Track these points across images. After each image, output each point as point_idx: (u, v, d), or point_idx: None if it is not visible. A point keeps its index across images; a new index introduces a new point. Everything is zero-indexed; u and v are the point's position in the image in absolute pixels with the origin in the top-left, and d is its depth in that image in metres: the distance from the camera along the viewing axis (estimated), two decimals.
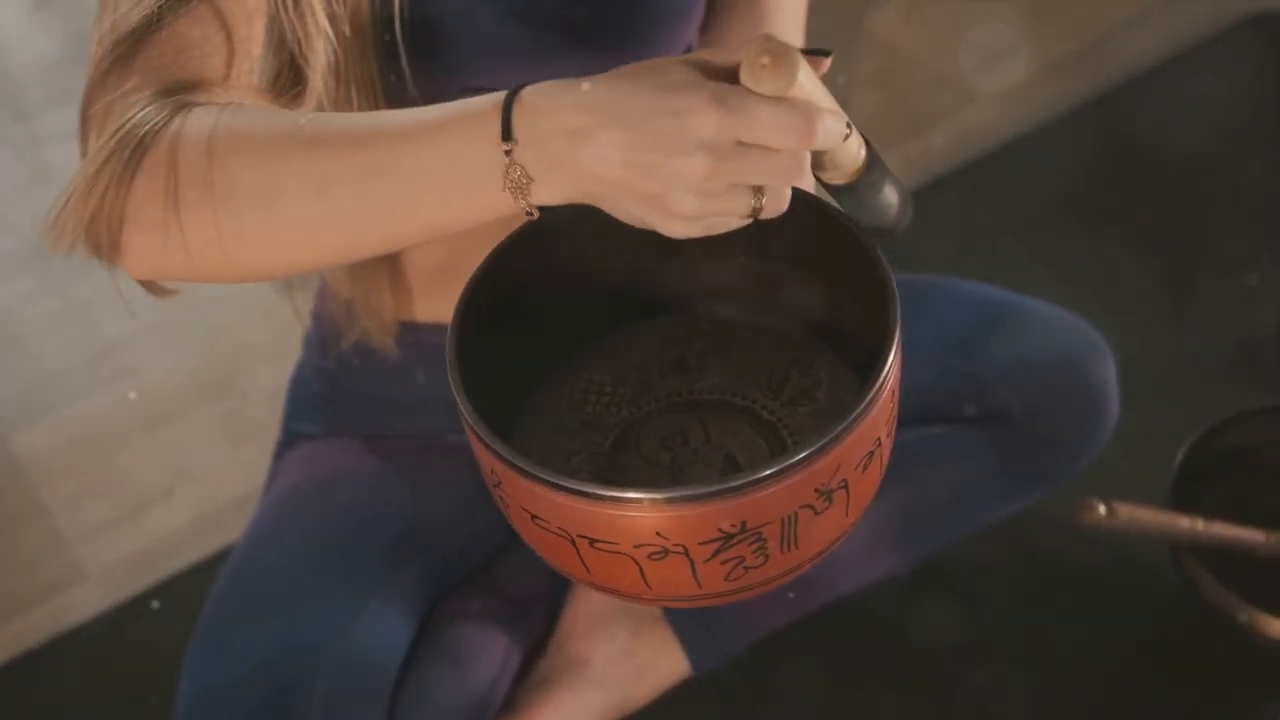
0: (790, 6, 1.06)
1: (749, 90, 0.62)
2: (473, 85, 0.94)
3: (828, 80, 0.67)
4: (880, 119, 1.91)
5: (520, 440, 0.84)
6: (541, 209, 0.68)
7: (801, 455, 0.67)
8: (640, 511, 0.67)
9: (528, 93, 0.66)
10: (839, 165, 0.70)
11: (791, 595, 1.24)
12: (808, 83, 0.63)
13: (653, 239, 0.68)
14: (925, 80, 1.99)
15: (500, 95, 0.66)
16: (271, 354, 1.66)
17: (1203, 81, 1.88)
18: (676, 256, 0.84)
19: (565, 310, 0.84)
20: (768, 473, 0.67)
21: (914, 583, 1.35)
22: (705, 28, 1.05)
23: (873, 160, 0.72)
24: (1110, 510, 1.15)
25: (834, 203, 0.75)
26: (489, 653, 1.13)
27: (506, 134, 0.65)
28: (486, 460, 0.72)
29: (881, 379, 0.70)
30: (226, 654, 1.03)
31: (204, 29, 0.79)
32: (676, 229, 0.66)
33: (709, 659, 1.25)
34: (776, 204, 0.66)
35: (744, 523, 0.68)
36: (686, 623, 1.23)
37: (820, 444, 0.68)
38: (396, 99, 0.94)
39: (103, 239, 0.74)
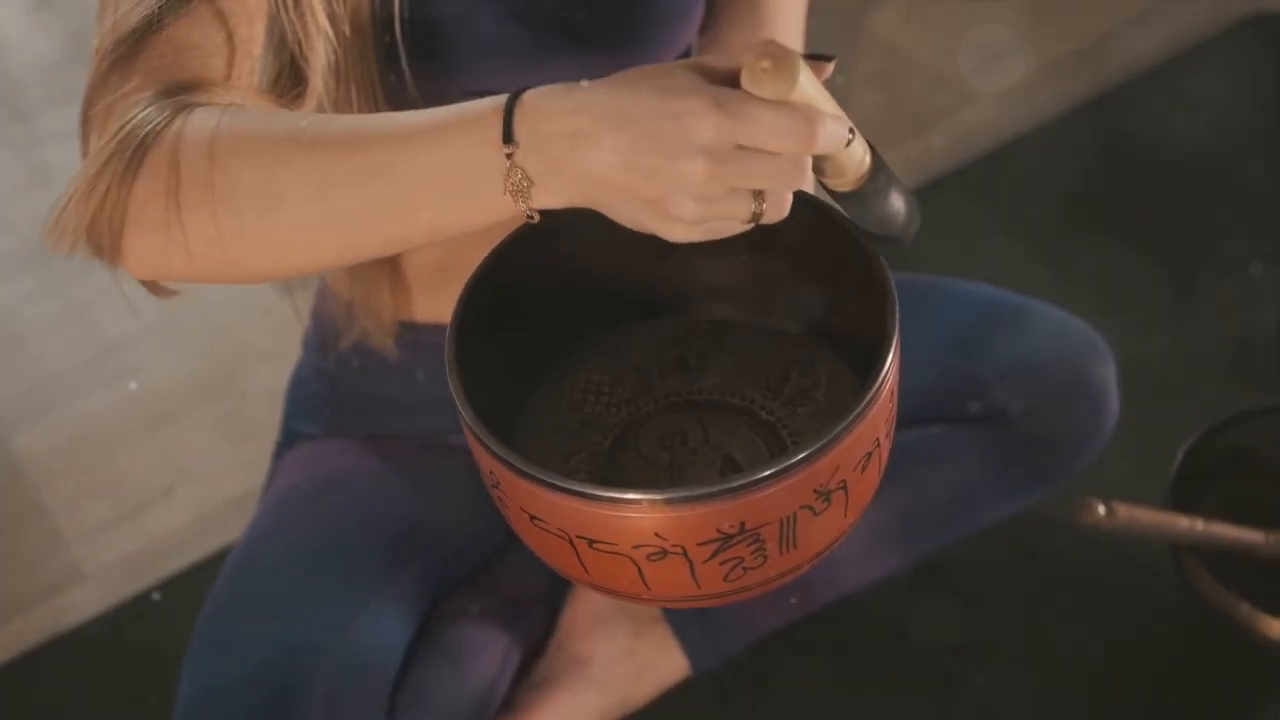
0: (790, 7, 1.06)
1: (750, 94, 0.62)
2: (472, 86, 0.95)
3: (828, 82, 0.67)
4: (880, 119, 1.91)
5: (520, 441, 0.84)
6: (542, 212, 0.68)
7: (800, 456, 0.67)
8: (639, 512, 0.68)
9: (529, 96, 0.66)
10: (843, 171, 0.69)
11: (794, 601, 1.24)
12: (809, 87, 0.63)
13: (652, 239, 0.68)
14: (925, 80, 1.99)
15: (502, 98, 0.66)
16: (271, 354, 1.66)
17: (1203, 81, 1.88)
18: (676, 256, 0.83)
19: (564, 310, 0.84)
20: (766, 474, 0.67)
21: (914, 583, 1.35)
22: (705, 29, 1.05)
23: (878, 166, 0.71)
24: (1110, 510, 1.15)
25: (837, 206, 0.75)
26: (488, 653, 1.13)
27: (508, 137, 0.65)
28: (485, 461, 0.72)
29: (880, 379, 0.70)
30: (226, 654, 1.03)
31: (205, 29, 0.79)
32: (677, 233, 0.66)
33: (708, 659, 1.25)
34: (777, 209, 0.66)
35: (743, 523, 0.68)
36: (686, 623, 1.23)
37: (819, 445, 0.68)
38: (396, 100, 0.94)
39: (104, 240, 0.74)
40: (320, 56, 0.85)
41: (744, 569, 0.71)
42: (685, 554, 0.69)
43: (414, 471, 1.14)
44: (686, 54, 1.05)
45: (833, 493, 0.70)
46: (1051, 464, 1.24)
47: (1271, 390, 1.52)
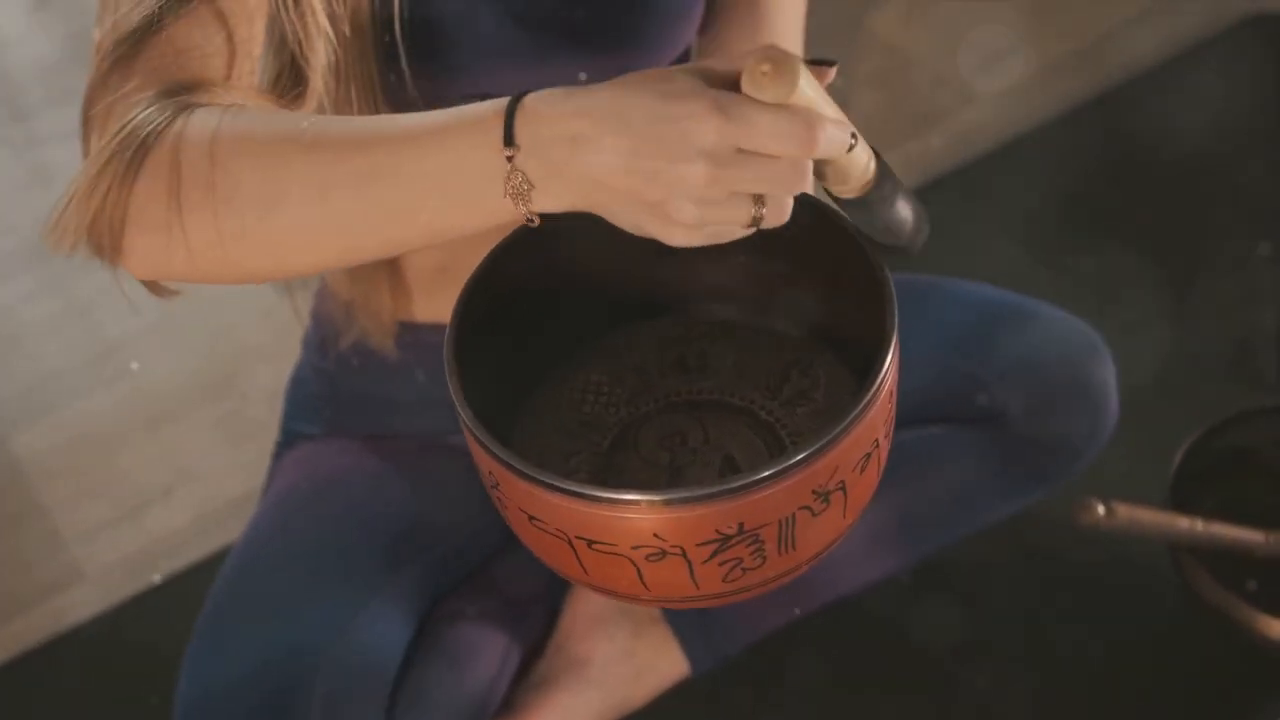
0: (790, 7, 1.06)
1: (750, 98, 0.62)
2: (472, 86, 0.95)
3: (828, 84, 0.67)
4: (880, 119, 1.91)
5: (519, 441, 0.84)
6: (541, 215, 0.68)
7: (799, 457, 0.67)
8: (638, 513, 0.68)
9: (530, 99, 0.66)
10: (847, 177, 0.69)
11: (793, 602, 1.24)
12: (810, 91, 0.63)
13: (652, 240, 0.68)
14: (925, 80, 1.99)
15: (503, 101, 0.66)
16: (271, 354, 1.66)
17: (1203, 81, 1.88)
18: (676, 257, 0.83)
19: (564, 311, 0.85)
20: (765, 474, 0.67)
21: (914, 583, 1.35)
22: (704, 29, 1.05)
23: (883, 173, 0.71)
24: (1109, 510, 1.15)
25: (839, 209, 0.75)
26: (488, 653, 1.13)
27: (509, 140, 0.65)
28: (484, 461, 0.72)
29: (879, 380, 0.70)
30: (226, 654, 1.03)
31: (205, 29, 0.79)
32: (677, 237, 0.66)
33: (708, 659, 1.25)
34: (778, 213, 0.66)
35: (741, 524, 0.68)
36: (685, 623, 1.23)
37: (818, 446, 0.68)
38: (396, 99, 0.94)
39: (105, 240, 0.74)
40: (320, 56, 0.85)
41: (743, 570, 0.71)
42: (684, 555, 0.69)
43: (414, 472, 1.14)
44: (686, 54, 1.05)
45: (831, 494, 0.70)
46: (1051, 464, 1.24)
47: (1271, 390, 1.52)
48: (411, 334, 1.11)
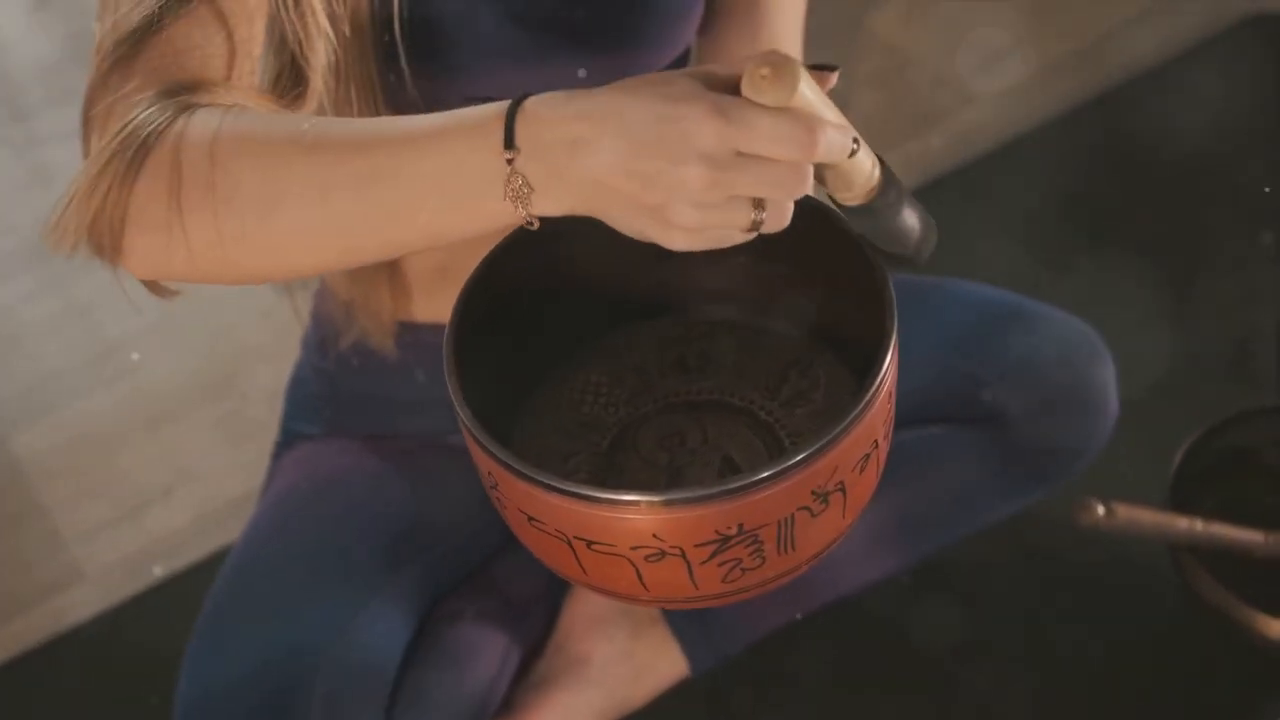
0: (789, 7, 1.06)
1: (750, 101, 0.62)
2: (472, 86, 0.95)
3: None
4: (880, 119, 1.91)
5: (519, 441, 0.84)
6: (541, 219, 0.68)
7: (798, 458, 0.67)
8: (637, 514, 0.68)
9: (531, 103, 0.66)
10: (851, 184, 0.69)
11: (793, 602, 1.24)
12: (810, 95, 0.63)
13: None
14: (925, 80, 1.99)
15: (504, 104, 0.66)
16: (271, 354, 1.66)
17: (1203, 81, 1.88)
18: (676, 257, 0.83)
19: (563, 311, 0.85)
20: (764, 475, 0.67)
21: (914, 583, 1.35)
22: (704, 29, 1.05)
23: (888, 180, 0.70)
24: (1109, 511, 1.15)
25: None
26: (488, 653, 1.13)
27: (509, 143, 0.65)
28: (483, 462, 0.72)
29: (878, 381, 0.70)
30: (225, 654, 1.03)
31: (205, 29, 0.79)
32: (677, 241, 0.66)
33: (707, 660, 1.25)
34: (778, 218, 0.66)
35: (741, 525, 0.68)
36: (685, 624, 1.23)
37: (817, 446, 0.68)
38: (396, 99, 0.94)
39: (105, 240, 0.74)
40: (320, 56, 0.85)
41: (742, 570, 0.71)
42: (683, 555, 0.69)
43: (414, 472, 1.14)
44: (686, 54, 1.05)
45: (831, 494, 0.70)
46: (1051, 464, 1.24)
47: (1271, 390, 1.52)
48: (411, 334, 1.11)
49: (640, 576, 0.71)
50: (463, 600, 1.14)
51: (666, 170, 0.63)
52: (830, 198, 0.71)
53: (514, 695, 1.20)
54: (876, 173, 0.69)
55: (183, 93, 0.76)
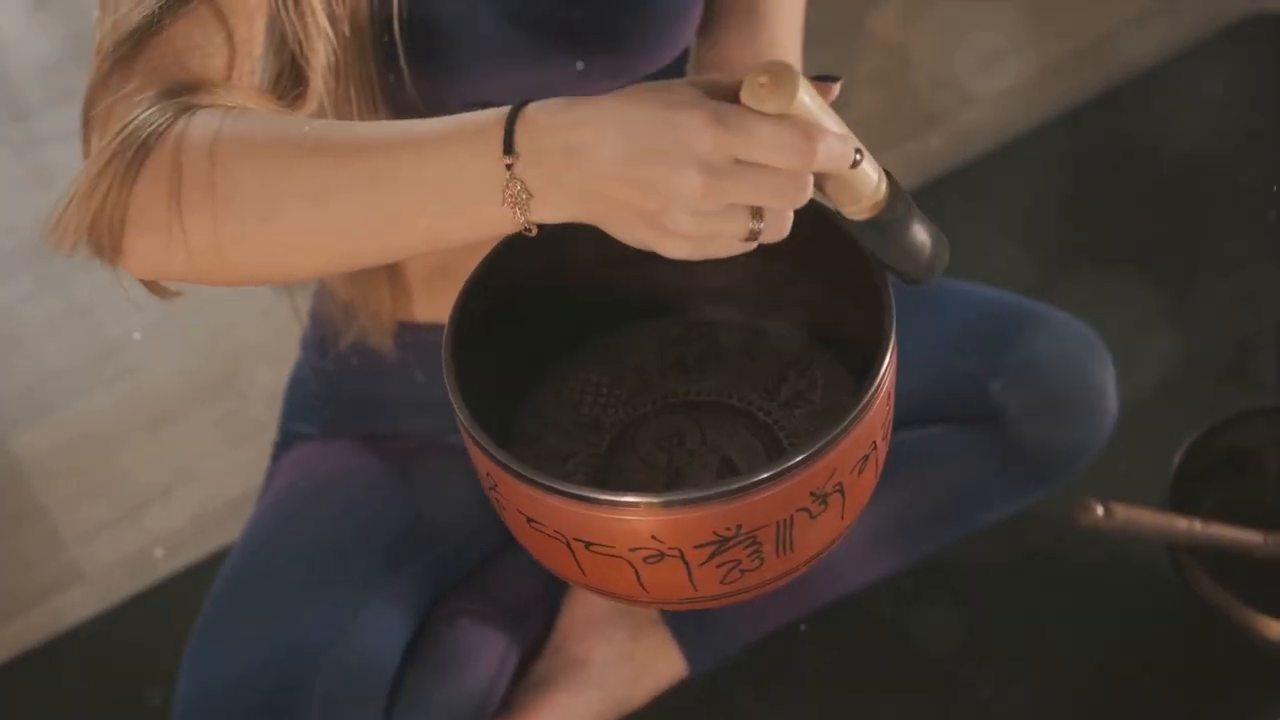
0: (789, 8, 1.06)
1: (749, 109, 0.62)
2: (471, 86, 0.95)
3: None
4: (880, 119, 1.91)
5: (517, 442, 0.84)
6: (540, 226, 0.67)
7: (797, 459, 0.67)
8: (635, 515, 0.68)
9: (531, 109, 0.66)
10: (857, 196, 0.68)
11: (792, 602, 1.24)
12: (810, 103, 0.63)
13: None
14: (925, 80, 1.99)
15: (504, 110, 0.66)
16: (271, 354, 1.66)
17: (1203, 81, 1.88)
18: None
19: (563, 311, 0.85)
20: (763, 477, 0.67)
21: (914, 583, 1.35)
22: (703, 30, 1.05)
23: (896, 195, 0.70)
24: (1108, 511, 1.15)
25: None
26: (487, 653, 1.13)
27: (508, 148, 0.65)
28: (482, 463, 0.72)
29: (876, 383, 0.70)
30: (225, 654, 1.03)
31: (205, 29, 0.79)
32: (675, 249, 0.66)
33: (706, 660, 1.25)
34: (777, 228, 0.66)
35: (739, 526, 0.68)
36: (684, 624, 1.23)
37: (816, 448, 0.68)
38: (395, 100, 0.94)
39: (104, 240, 0.74)
40: (320, 56, 0.85)
41: (741, 571, 0.71)
42: (682, 556, 0.69)
43: (413, 472, 1.14)
44: (685, 55, 1.05)
45: (829, 495, 0.70)
46: (1051, 464, 1.24)
47: (1271, 390, 1.52)
48: (411, 334, 1.11)
49: (639, 578, 0.71)
50: (462, 601, 1.14)
51: (665, 177, 0.62)
52: (837, 212, 0.71)
53: (513, 696, 1.20)
54: (883, 186, 0.69)
55: (183, 93, 0.76)
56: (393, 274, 1.08)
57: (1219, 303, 1.64)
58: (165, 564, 1.53)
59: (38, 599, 1.52)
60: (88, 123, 0.78)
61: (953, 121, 1.90)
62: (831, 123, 0.64)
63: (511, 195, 0.66)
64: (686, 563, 0.69)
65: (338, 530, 1.10)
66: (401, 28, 0.90)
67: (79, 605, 1.51)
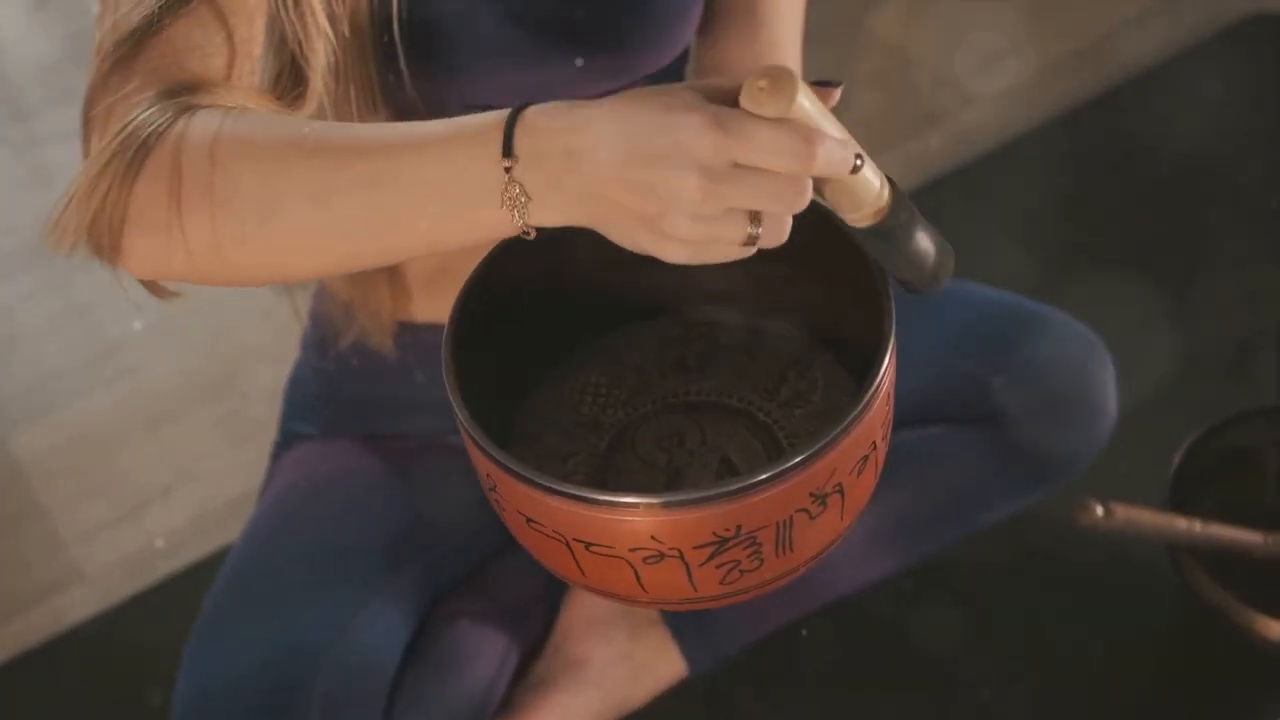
0: (788, 8, 1.06)
1: (749, 113, 0.62)
2: (471, 86, 0.95)
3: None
4: (880, 119, 1.91)
5: (517, 442, 0.84)
6: (538, 230, 0.67)
7: (796, 460, 0.67)
8: (635, 516, 0.68)
9: (531, 112, 0.66)
10: (859, 203, 0.68)
11: (792, 602, 1.24)
12: (810, 108, 0.62)
13: None
14: (925, 80, 1.99)
15: (504, 113, 0.66)
16: (271, 354, 1.66)
17: (1203, 81, 1.88)
18: None
19: (562, 312, 0.85)
20: (762, 477, 0.67)
21: (914, 583, 1.35)
22: (703, 30, 1.05)
23: (899, 201, 0.69)
24: (1108, 511, 1.15)
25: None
26: (486, 653, 1.13)
27: (507, 151, 0.65)
28: (482, 464, 0.72)
29: (876, 383, 0.70)
30: (225, 654, 1.03)
31: (205, 30, 0.79)
32: (673, 254, 0.65)
33: (706, 660, 1.25)
34: (776, 233, 0.65)
35: (739, 527, 0.68)
36: (683, 624, 1.23)
37: (815, 448, 0.68)
38: (395, 100, 0.94)
39: (104, 240, 0.74)
40: (320, 57, 0.85)
41: (740, 572, 0.71)
42: (681, 557, 0.69)
43: (413, 472, 1.14)
44: (685, 55, 1.05)
45: (829, 496, 0.70)
46: (1051, 465, 1.24)
47: (1271, 390, 1.52)
48: (411, 334, 1.11)
49: (639, 578, 0.71)
50: (462, 601, 1.14)
51: (664, 180, 0.62)
52: (841, 219, 0.70)
53: (513, 696, 1.20)
54: (885, 192, 0.68)
55: (183, 93, 0.76)
56: (393, 274, 1.08)
57: (1219, 303, 1.64)
58: (165, 564, 1.53)
59: (38, 599, 1.52)
60: (88, 123, 0.78)
61: (953, 121, 1.90)
62: (831, 128, 0.64)
63: (510, 198, 0.66)
64: (686, 563, 0.69)
65: (338, 530, 1.10)
66: (401, 28, 0.90)
67: (79, 605, 1.51)
